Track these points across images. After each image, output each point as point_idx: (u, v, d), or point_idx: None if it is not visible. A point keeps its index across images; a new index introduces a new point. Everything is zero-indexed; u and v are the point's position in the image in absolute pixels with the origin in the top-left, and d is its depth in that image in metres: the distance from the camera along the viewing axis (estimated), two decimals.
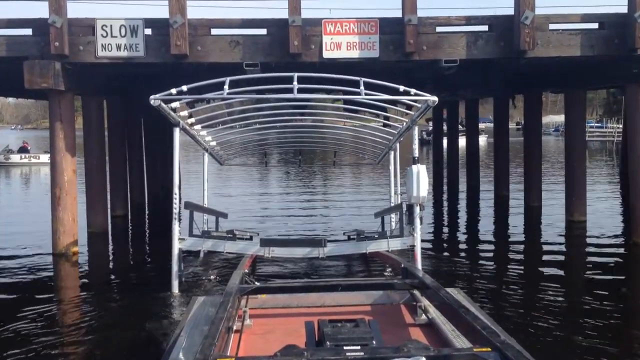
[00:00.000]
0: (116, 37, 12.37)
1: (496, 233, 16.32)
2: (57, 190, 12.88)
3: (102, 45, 12.39)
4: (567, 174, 16.02)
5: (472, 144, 23.95)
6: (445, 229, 17.49)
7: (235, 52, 12.57)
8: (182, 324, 4.80)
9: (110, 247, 14.87)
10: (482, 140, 25.82)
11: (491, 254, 13.50)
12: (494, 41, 12.70)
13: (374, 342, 3.51)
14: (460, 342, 4.00)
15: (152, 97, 8.71)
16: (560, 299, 9.85)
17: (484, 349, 3.37)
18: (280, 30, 12.49)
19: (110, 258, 14.04)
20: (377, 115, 12.23)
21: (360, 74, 14.12)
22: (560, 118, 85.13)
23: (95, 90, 14.58)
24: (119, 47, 12.39)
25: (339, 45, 12.56)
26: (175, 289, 9.48)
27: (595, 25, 12.92)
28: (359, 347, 3.35)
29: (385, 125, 13.17)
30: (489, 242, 14.86)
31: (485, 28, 12.86)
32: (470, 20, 12.82)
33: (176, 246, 9.52)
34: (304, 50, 12.46)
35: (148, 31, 12.50)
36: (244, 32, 12.78)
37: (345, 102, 13.65)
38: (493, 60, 12.99)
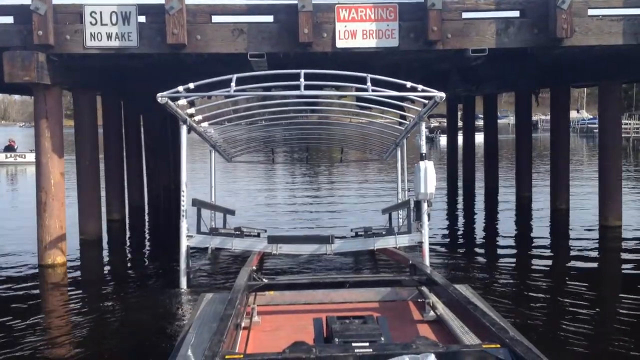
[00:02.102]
0: (106, 25, 11.16)
1: (519, 237, 14.99)
2: (43, 195, 11.68)
3: (91, 34, 11.18)
4: (600, 175, 14.70)
5: (491, 141, 22.61)
6: (462, 232, 16.29)
7: (239, 42, 11.34)
8: (190, 320, 4.81)
9: (104, 256, 13.61)
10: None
11: (513, 263, 12.21)
12: (526, 28, 11.41)
13: (383, 339, 3.49)
14: (469, 338, 3.96)
15: (159, 94, 8.62)
16: (592, 312, 8.71)
17: (493, 346, 3.29)
18: (289, 17, 11.25)
19: (104, 268, 12.72)
20: (386, 111, 11.67)
21: (377, 65, 13.12)
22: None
23: (86, 84, 13.34)
24: (109, 36, 11.17)
25: (354, 34, 11.30)
26: (184, 285, 9.52)
27: (638, 11, 11.61)
28: (367, 344, 3.30)
29: (401, 123, 12.41)
30: (511, 252, 13.42)
31: (516, 14, 11.61)
32: (500, 4, 11.53)
33: (184, 243, 9.55)
34: (315, 39, 11.21)
35: (142, 18, 11.29)
36: (249, 20, 11.55)
37: (359, 98, 12.80)
38: (525, 50, 11.71)
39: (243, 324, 4.35)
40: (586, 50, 11.82)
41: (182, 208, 9.68)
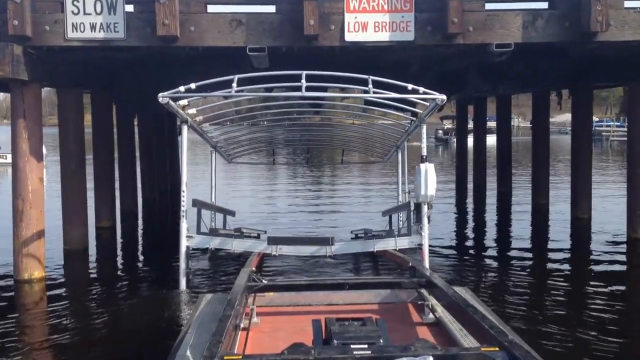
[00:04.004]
0: (90, 14, 10.05)
1: (535, 247, 13.97)
2: (20, 203, 10.58)
3: (72, 24, 10.06)
4: (629, 183, 13.58)
5: (504, 144, 21.50)
6: (473, 239, 15.31)
7: (237, 34, 10.23)
8: (189, 321, 4.82)
9: (90, 267, 12.44)
10: (493, 139, 23.75)
11: (527, 273, 11.27)
12: (556, 21, 10.28)
13: (382, 341, 3.50)
14: (468, 341, 3.98)
15: (160, 94, 8.52)
16: (618, 335, 7.78)
17: (492, 349, 3.29)
18: (293, 7, 10.14)
19: (89, 281, 11.49)
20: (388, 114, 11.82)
21: (388, 62, 12.03)
22: None
23: (71, 80, 12.18)
24: (93, 27, 10.06)
25: (365, 26, 10.19)
26: (183, 286, 9.49)
27: None
28: (366, 346, 3.31)
29: (404, 126, 12.16)
30: (526, 262, 12.38)
31: (545, 5, 10.52)
32: None
33: (184, 243, 9.54)
34: (321, 31, 10.10)
35: (129, 8, 10.20)
36: (248, 10, 10.46)
37: (366, 100, 12.44)
38: (553, 45, 10.58)
39: (242, 325, 4.36)
40: (621, 46, 10.67)
41: (182, 208, 9.64)
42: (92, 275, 12.01)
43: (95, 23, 10.05)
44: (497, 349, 3.29)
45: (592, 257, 12.76)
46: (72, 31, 10.08)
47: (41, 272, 10.73)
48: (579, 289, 10.28)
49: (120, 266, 13.04)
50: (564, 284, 10.56)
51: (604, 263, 12.15)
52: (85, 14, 10.04)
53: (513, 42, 10.19)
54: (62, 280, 11.26)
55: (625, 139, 48.28)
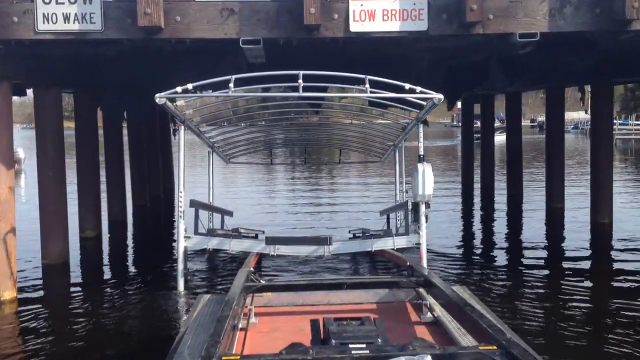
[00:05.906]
0: (63, 3, 9.00)
1: (551, 254, 13.02)
2: None
3: (44, 15, 9.00)
4: None
5: (514, 143, 20.43)
6: (481, 249, 14.23)
7: (229, 25, 9.16)
8: (187, 322, 4.86)
9: (71, 283, 11.30)
10: (501, 138, 22.82)
11: (541, 279, 10.70)
12: (586, 8, 9.22)
13: (380, 340, 3.50)
14: (466, 340, 3.98)
15: (157, 95, 8.42)
16: None
17: (490, 347, 3.30)
18: None
19: (69, 300, 10.39)
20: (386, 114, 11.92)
21: (397, 55, 10.98)
22: (578, 115, 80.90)
23: (46, 78, 11.04)
24: (67, 18, 9.00)
25: (372, 14, 9.11)
26: (181, 287, 9.48)
27: None
28: (364, 345, 3.33)
29: (403, 127, 11.86)
30: (541, 270, 11.52)
31: None
32: None
33: (182, 244, 9.53)
34: (323, 21, 9.05)
35: None
36: None
37: (370, 101, 11.89)
38: (583, 35, 9.52)
39: (240, 325, 4.37)
40: None
41: (179, 209, 9.61)
42: (72, 292, 10.88)
43: (69, 13, 9.00)
44: (495, 347, 3.28)
45: (616, 270, 11.70)
46: (43, 22, 9.02)
47: (12, 293, 9.71)
48: (596, 296, 9.63)
49: (105, 280, 11.92)
50: (586, 298, 9.67)
51: (626, 273, 11.13)
52: (57, 3, 8.99)
53: (538, 31, 9.11)
54: (38, 299, 10.19)
55: (630, 137, 46.88)
